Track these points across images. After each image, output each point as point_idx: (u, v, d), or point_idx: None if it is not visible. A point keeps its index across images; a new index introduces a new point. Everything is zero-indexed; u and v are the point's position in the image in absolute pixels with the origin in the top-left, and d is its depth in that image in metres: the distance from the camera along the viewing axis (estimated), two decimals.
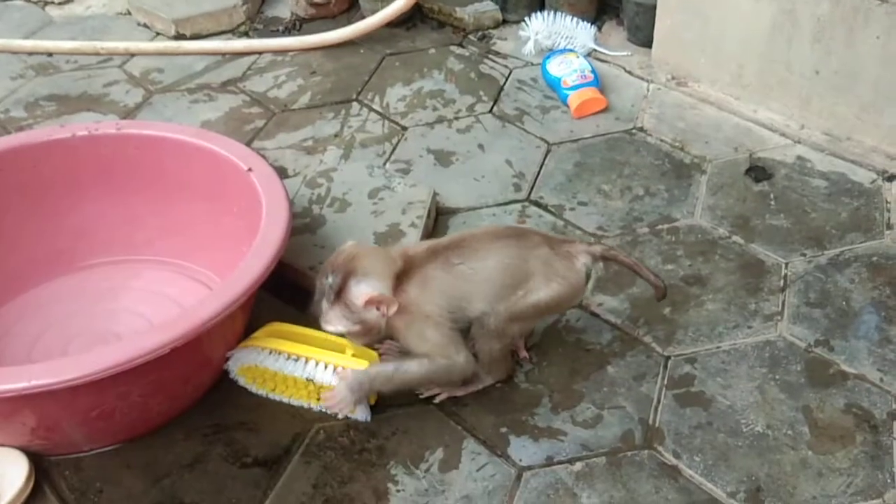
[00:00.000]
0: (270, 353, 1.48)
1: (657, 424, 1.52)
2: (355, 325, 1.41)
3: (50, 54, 2.60)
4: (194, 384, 1.51)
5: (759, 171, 2.10)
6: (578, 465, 1.45)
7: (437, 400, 1.56)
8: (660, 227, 1.96)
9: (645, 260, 1.86)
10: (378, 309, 1.40)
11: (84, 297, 1.73)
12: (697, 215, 1.99)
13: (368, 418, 1.52)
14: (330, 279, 1.39)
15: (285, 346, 1.48)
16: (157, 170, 1.74)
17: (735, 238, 1.92)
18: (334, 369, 1.46)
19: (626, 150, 2.21)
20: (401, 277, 1.42)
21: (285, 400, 1.54)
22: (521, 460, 1.46)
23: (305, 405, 1.53)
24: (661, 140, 2.24)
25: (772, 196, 2.03)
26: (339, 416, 1.51)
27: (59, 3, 2.92)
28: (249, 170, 1.63)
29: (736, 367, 1.62)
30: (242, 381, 1.55)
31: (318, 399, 1.50)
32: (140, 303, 1.71)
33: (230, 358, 1.52)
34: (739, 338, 1.68)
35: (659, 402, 1.56)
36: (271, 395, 1.55)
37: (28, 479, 1.38)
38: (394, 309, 1.39)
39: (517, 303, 1.47)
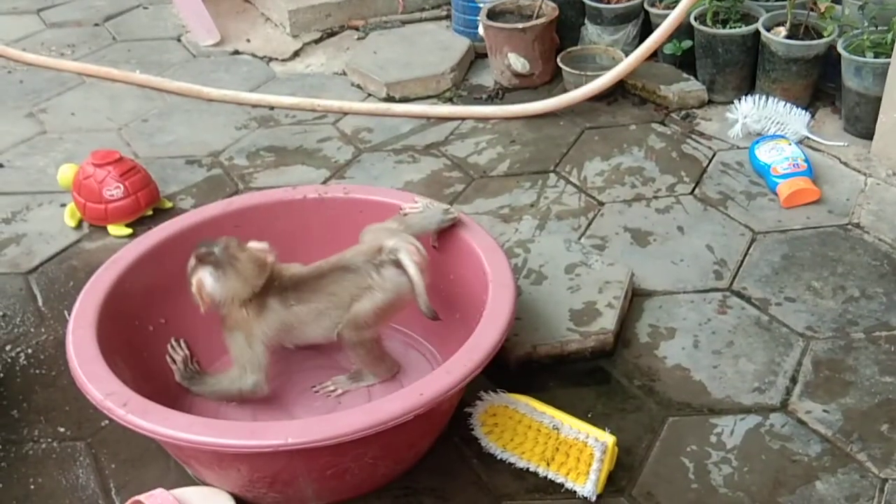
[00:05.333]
0: (523, 403, 1.56)
1: None
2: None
3: (272, 108, 2.80)
4: (417, 449, 1.56)
5: None
6: None
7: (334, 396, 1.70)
8: (877, 333, 1.83)
9: (860, 369, 1.74)
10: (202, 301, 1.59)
11: (307, 351, 1.80)
12: None
13: (593, 497, 1.50)
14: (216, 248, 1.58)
15: (537, 403, 1.56)
16: None
17: None
18: (579, 432, 1.51)
19: (840, 246, 2.09)
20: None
21: (513, 459, 1.56)
22: None
23: (532, 467, 1.54)
24: (880, 239, 2.10)
25: None
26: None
27: (283, 60, 3.15)
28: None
29: None
30: (478, 431, 1.60)
31: (549, 463, 1.53)
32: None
33: (479, 401, 1.60)
34: None
35: None
36: (500, 452, 1.57)
37: None
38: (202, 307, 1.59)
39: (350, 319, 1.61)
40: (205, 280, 1.57)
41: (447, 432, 1.62)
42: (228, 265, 1.56)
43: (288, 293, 1.61)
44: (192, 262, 1.59)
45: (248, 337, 1.60)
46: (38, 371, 1.84)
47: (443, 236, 1.76)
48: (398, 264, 1.59)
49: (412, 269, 1.58)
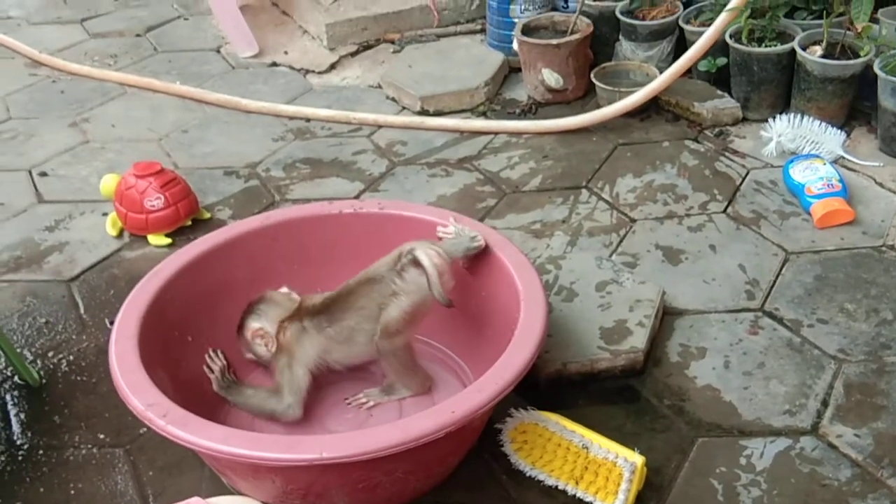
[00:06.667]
0: (553, 421, 1.59)
1: None
2: (250, 354, 1.74)
3: (308, 120, 2.85)
4: (448, 465, 1.59)
5: None
6: None
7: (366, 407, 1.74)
8: None
9: (892, 393, 1.73)
10: (262, 340, 1.70)
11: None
12: None
13: None
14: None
15: (567, 421, 1.58)
16: None
17: None
18: (609, 451, 1.52)
19: (874, 268, 2.08)
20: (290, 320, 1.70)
21: (542, 477, 1.57)
22: None
23: (561, 485, 1.55)
24: None
25: None
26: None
27: (319, 73, 3.19)
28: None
29: None
30: (508, 448, 1.62)
31: (578, 482, 1.54)
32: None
33: (509, 418, 1.62)
34: None
35: None
36: (529, 469, 1.59)
37: None
38: (272, 345, 1.69)
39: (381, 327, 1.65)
40: (252, 325, 1.70)
41: (477, 448, 1.64)
42: (261, 302, 1.72)
43: (321, 317, 1.68)
44: (239, 334, 1.74)
45: (290, 360, 1.67)
46: (79, 378, 1.89)
47: (474, 254, 1.78)
48: (416, 263, 1.64)
49: (426, 261, 1.63)
